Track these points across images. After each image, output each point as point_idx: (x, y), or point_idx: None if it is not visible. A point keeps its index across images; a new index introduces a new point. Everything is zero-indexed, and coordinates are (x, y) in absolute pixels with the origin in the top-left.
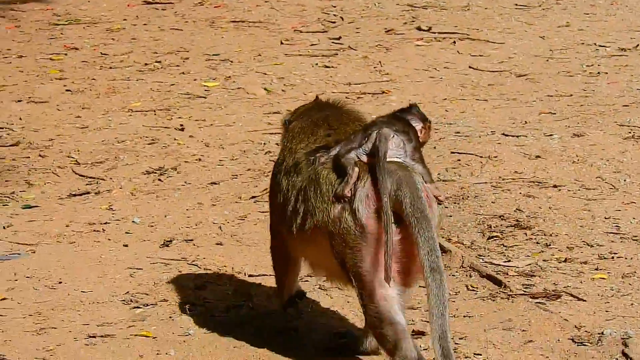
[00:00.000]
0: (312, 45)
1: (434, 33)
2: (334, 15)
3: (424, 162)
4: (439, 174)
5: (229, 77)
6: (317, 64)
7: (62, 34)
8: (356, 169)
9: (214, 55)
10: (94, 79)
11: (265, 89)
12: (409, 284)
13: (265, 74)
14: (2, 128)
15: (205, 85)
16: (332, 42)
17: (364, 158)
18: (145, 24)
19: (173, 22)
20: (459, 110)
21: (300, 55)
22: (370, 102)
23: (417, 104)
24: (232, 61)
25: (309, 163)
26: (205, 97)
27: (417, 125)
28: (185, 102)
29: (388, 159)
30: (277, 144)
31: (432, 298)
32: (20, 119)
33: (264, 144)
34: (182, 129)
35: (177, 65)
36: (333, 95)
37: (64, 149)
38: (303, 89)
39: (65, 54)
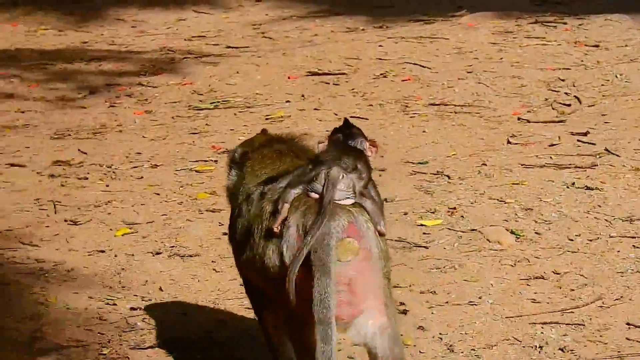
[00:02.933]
0: (551, 146)
1: None
2: (566, 93)
3: (374, 197)
4: None
5: (454, 208)
6: (573, 183)
7: (207, 125)
8: (286, 205)
9: (418, 163)
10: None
11: (513, 232)
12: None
13: (503, 201)
14: None
15: (422, 225)
16: (578, 141)
17: (314, 195)
18: (316, 109)
19: (350, 102)
20: None
21: (543, 166)
22: None
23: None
24: (448, 175)
25: (258, 196)
26: (426, 247)
27: (363, 146)
28: (392, 251)
29: (339, 202)
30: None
31: (318, 351)
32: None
33: (536, 340)
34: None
35: None
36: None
37: None
38: (565, 229)
39: (215, 161)
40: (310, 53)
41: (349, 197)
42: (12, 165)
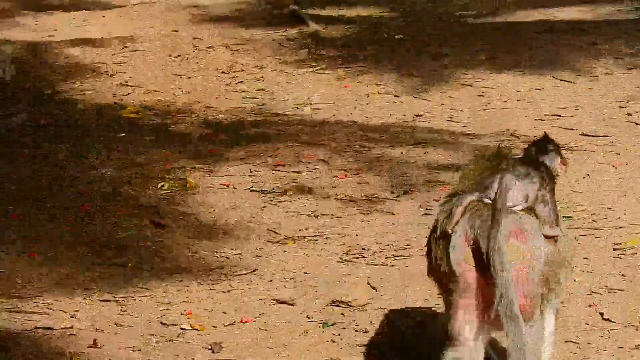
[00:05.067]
0: None
1: None
2: None
3: (549, 204)
4: None
5: None
6: None
7: None
8: (459, 208)
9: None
10: None
11: None
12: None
13: None
14: None
15: None
16: None
17: (487, 202)
18: None
19: None
20: None
21: None
22: None
23: (550, 136)
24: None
25: (441, 205)
26: None
27: (554, 162)
28: None
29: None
30: None
31: (510, 345)
32: None
33: None
34: None
35: None
36: None
37: None
38: None
39: None
40: None
41: (520, 204)
42: None
